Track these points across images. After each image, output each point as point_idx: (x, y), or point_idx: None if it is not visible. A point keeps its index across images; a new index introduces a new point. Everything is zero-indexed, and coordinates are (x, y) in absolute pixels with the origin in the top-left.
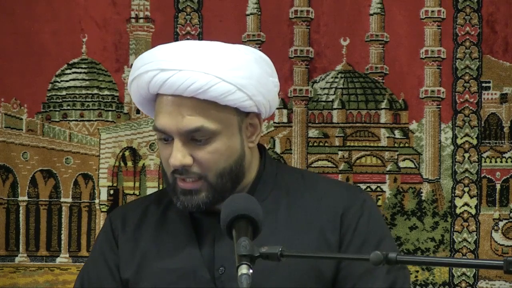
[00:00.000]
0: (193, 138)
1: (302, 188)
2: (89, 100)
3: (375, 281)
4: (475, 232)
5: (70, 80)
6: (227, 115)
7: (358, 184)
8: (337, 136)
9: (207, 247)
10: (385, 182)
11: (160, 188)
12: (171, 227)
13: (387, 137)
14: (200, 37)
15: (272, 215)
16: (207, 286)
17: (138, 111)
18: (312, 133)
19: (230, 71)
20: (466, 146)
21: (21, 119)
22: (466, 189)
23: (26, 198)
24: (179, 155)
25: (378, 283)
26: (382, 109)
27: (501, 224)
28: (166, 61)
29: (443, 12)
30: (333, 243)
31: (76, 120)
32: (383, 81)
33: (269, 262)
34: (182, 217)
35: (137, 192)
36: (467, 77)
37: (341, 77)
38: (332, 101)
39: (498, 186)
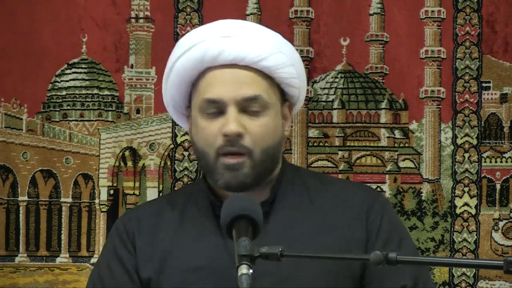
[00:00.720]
0: (246, 110)
1: (320, 187)
2: (89, 100)
3: (401, 278)
4: (475, 232)
5: (70, 80)
6: (275, 93)
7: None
8: (337, 136)
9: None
10: (385, 182)
11: (160, 188)
12: (193, 225)
13: (387, 137)
14: None
15: (297, 212)
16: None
17: (138, 111)
18: (312, 133)
19: (285, 46)
20: (466, 146)
21: (21, 119)
22: (466, 189)
23: (26, 198)
24: (234, 123)
25: (405, 279)
26: (382, 109)
27: (501, 224)
28: (225, 29)
29: (443, 12)
30: (359, 240)
31: (76, 120)
32: (383, 81)
33: (301, 260)
34: (205, 214)
35: (137, 192)
36: (467, 77)
37: (341, 77)
38: (332, 101)
39: (498, 186)
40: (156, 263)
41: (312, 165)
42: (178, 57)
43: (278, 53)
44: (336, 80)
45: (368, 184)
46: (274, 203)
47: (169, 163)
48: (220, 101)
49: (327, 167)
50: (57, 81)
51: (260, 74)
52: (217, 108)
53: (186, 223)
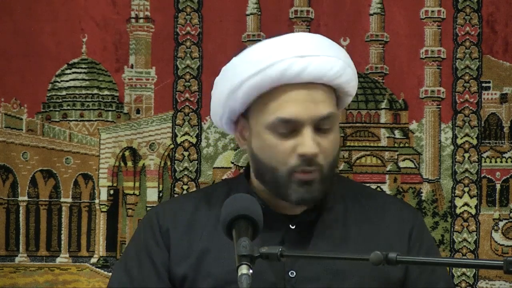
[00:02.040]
0: (319, 128)
1: (364, 198)
2: (89, 100)
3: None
4: (475, 232)
5: (70, 80)
6: (336, 105)
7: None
8: None
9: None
10: (385, 182)
11: (160, 188)
12: None
13: (387, 137)
14: (200, 37)
15: (342, 222)
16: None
17: (138, 111)
18: None
19: (348, 56)
20: (466, 146)
21: (21, 119)
22: (466, 189)
23: (26, 198)
24: (312, 143)
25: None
26: (382, 109)
27: (501, 224)
28: (301, 47)
29: (443, 12)
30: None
31: (76, 120)
32: (383, 81)
33: (336, 265)
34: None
35: (137, 192)
36: (467, 77)
37: None
38: None
39: (498, 186)
40: (193, 260)
41: None
42: (252, 75)
43: (348, 68)
44: None
45: (369, 184)
46: (321, 211)
47: (169, 163)
48: (296, 121)
49: None
50: (57, 81)
51: (330, 90)
52: (291, 128)
53: None
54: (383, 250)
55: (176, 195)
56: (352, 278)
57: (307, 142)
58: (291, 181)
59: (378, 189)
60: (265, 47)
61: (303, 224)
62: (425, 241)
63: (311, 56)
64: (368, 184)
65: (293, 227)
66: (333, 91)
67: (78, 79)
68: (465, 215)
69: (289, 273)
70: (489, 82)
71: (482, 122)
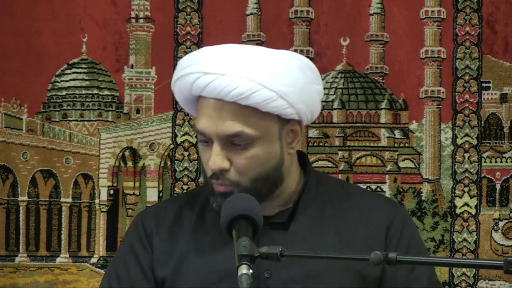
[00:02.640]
0: (232, 143)
1: (343, 197)
2: (89, 100)
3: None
4: (475, 232)
5: (70, 80)
6: (268, 121)
7: (358, 184)
8: (337, 136)
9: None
10: (385, 182)
11: (160, 188)
12: (210, 227)
13: (387, 137)
14: (200, 37)
15: (317, 222)
16: None
17: (138, 111)
18: (312, 133)
19: (272, 78)
20: (466, 146)
21: (21, 119)
22: (466, 189)
23: (26, 198)
24: (217, 159)
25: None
26: (382, 109)
27: (501, 224)
28: (209, 64)
29: (443, 12)
30: None
31: (76, 120)
32: (383, 81)
33: (313, 266)
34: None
35: (137, 192)
36: (467, 77)
37: (341, 77)
38: (332, 101)
39: (498, 186)
40: (172, 263)
41: (312, 165)
42: (175, 80)
43: (262, 89)
44: (336, 80)
45: (368, 184)
46: (295, 212)
47: (169, 163)
48: (205, 134)
49: (327, 167)
50: (57, 81)
51: (247, 109)
52: (207, 138)
53: (204, 225)
54: (359, 250)
55: (176, 195)
56: (328, 279)
57: (212, 157)
58: (213, 189)
59: (378, 189)
60: (189, 57)
61: (277, 225)
62: (405, 237)
63: (215, 74)
64: (368, 184)
65: (266, 228)
66: (257, 110)
67: (78, 79)
68: (465, 215)
69: (265, 273)
70: (489, 82)
71: (482, 122)
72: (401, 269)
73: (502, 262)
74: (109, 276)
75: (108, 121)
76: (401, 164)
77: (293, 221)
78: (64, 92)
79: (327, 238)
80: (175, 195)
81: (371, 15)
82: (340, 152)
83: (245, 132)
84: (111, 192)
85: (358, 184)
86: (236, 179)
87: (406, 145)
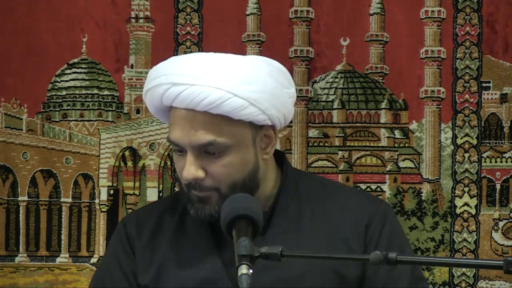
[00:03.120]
0: (206, 151)
1: (323, 196)
2: (89, 100)
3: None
4: (475, 232)
5: (70, 80)
6: (240, 128)
7: (358, 184)
8: (337, 136)
9: (228, 254)
10: (385, 182)
11: (160, 188)
12: (190, 234)
13: (387, 137)
14: (200, 37)
15: (295, 224)
16: None
17: (138, 111)
18: (312, 133)
19: (242, 85)
20: (466, 146)
21: (21, 119)
22: (466, 189)
23: (26, 198)
24: (191, 169)
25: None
26: (382, 109)
27: (501, 224)
28: (178, 75)
29: (443, 12)
30: (357, 252)
31: (76, 120)
32: (383, 81)
33: (291, 270)
34: (201, 223)
35: (137, 192)
36: (467, 77)
37: (341, 77)
38: (332, 101)
39: (498, 186)
40: (153, 271)
41: (312, 165)
42: (147, 91)
43: (232, 98)
44: (336, 80)
45: (368, 184)
46: (273, 215)
47: (169, 163)
48: (179, 144)
49: (327, 167)
50: (57, 81)
51: (218, 118)
52: (180, 148)
53: (184, 231)
54: (339, 249)
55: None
56: (306, 282)
57: (186, 166)
58: (190, 196)
59: (378, 189)
60: (158, 67)
61: None
62: (384, 235)
63: (184, 84)
64: (368, 184)
65: None
66: (229, 119)
67: (78, 79)
68: (465, 215)
69: None
70: (489, 82)
71: (482, 122)
72: (382, 268)
73: (502, 262)
74: (95, 282)
75: (108, 121)
76: (401, 164)
77: (270, 225)
78: (64, 92)
79: (306, 239)
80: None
81: (371, 15)
82: (340, 152)
83: (218, 141)
84: (111, 192)
85: (356, 184)
86: (215, 185)
87: (406, 145)
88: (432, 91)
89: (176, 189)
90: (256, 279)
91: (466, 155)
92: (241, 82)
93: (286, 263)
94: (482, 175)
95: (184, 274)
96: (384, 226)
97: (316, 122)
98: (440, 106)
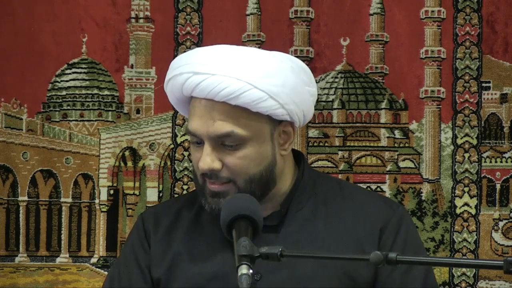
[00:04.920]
0: (223, 143)
1: (339, 198)
2: (89, 100)
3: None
4: (475, 232)
5: (70, 80)
6: (259, 122)
7: (359, 184)
8: (337, 136)
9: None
10: (385, 182)
11: (160, 188)
12: (205, 230)
13: (387, 137)
14: (200, 37)
15: (309, 223)
16: None
17: (138, 111)
18: (312, 133)
19: (263, 78)
20: (466, 146)
21: (21, 119)
22: (466, 189)
23: (26, 198)
24: (208, 159)
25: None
26: (382, 109)
27: (501, 224)
28: (200, 64)
29: (443, 12)
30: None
31: (76, 120)
32: (383, 81)
33: (301, 271)
34: (216, 220)
35: (137, 192)
36: (467, 77)
37: (341, 77)
38: (332, 101)
39: (498, 186)
40: (167, 264)
41: (312, 165)
42: (168, 80)
43: (251, 89)
44: (336, 80)
45: (368, 184)
46: (286, 215)
47: (169, 163)
48: (197, 135)
49: (327, 167)
50: (57, 81)
51: (237, 109)
52: (198, 139)
53: (199, 226)
54: (352, 251)
55: (176, 195)
56: (317, 282)
57: (203, 157)
58: (205, 189)
59: (378, 189)
60: (181, 57)
61: (269, 227)
62: (399, 239)
63: (205, 74)
64: (368, 184)
65: None
66: (248, 111)
67: (78, 79)
68: (465, 215)
69: (255, 276)
70: (489, 82)
71: (482, 122)
72: (396, 271)
73: (502, 262)
74: (111, 275)
75: (108, 121)
76: (401, 164)
77: (285, 223)
78: (64, 92)
79: (320, 239)
80: (176, 195)
81: (371, 15)
82: (340, 152)
83: (236, 132)
84: (111, 192)
85: (359, 184)
86: (231, 177)
87: (406, 145)
88: (432, 91)
89: (176, 189)
90: (269, 277)
91: (466, 155)
92: (261, 75)
93: (299, 263)
94: (482, 175)
95: (195, 268)
96: (400, 231)
97: (316, 122)
98: (440, 106)
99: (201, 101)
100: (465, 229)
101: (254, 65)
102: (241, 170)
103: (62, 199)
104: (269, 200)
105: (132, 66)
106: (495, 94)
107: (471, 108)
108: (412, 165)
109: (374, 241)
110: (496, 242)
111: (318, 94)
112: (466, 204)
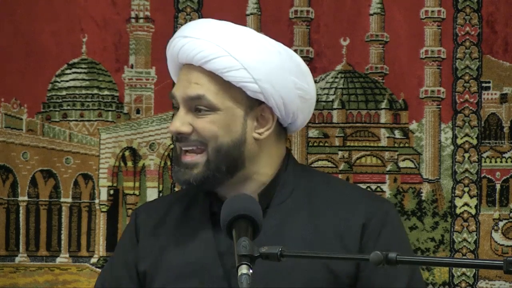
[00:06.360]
0: (196, 108)
1: (326, 193)
2: (89, 100)
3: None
4: (475, 232)
5: (70, 80)
6: (233, 94)
7: (358, 184)
8: (337, 136)
9: (224, 245)
10: (385, 182)
11: (160, 188)
12: (191, 224)
13: (387, 137)
14: None
15: (292, 217)
16: (220, 283)
17: (138, 111)
18: (312, 133)
19: (242, 49)
20: (466, 146)
21: (21, 119)
22: (466, 189)
23: (26, 198)
24: (177, 123)
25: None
26: (382, 109)
27: (501, 224)
28: (190, 29)
29: (443, 12)
30: (351, 251)
31: (76, 120)
32: (383, 81)
33: (281, 264)
34: (203, 214)
35: (137, 192)
36: (467, 77)
37: (341, 77)
38: (332, 101)
39: (498, 186)
40: (153, 257)
41: (312, 165)
42: (167, 50)
43: (226, 56)
44: (336, 80)
45: (368, 184)
46: (269, 207)
47: (169, 163)
48: (174, 97)
49: (327, 167)
50: (57, 81)
51: (212, 75)
52: (176, 103)
53: (187, 220)
54: (332, 245)
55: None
56: (298, 275)
57: (173, 120)
58: (179, 160)
59: (378, 189)
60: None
61: None
62: (384, 236)
63: (189, 37)
64: (368, 184)
65: None
66: (224, 81)
67: (78, 79)
68: (465, 215)
69: (235, 270)
70: (489, 82)
71: (482, 122)
72: (379, 268)
73: (502, 262)
74: (102, 276)
75: (108, 121)
76: (401, 164)
77: (267, 215)
78: (64, 92)
79: (301, 232)
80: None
81: (371, 15)
82: (340, 152)
83: (207, 97)
84: (111, 192)
85: (359, 184)
86: (200, 140)
87: (406, 145)
88: (432, 91)
89: (176, 189)
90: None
91: (466, 155)
92: (242, 46)
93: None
94: (482, 175)
95: (179, 261)
96: (384, 226)
97: (316, 122)
98: (440, 106)
99: (184, 66)
100: (465, 229)
101: (239, 38)
102: (209, 134)
103: (62, 199)
104: (244, 187)
105: (132, 66)
106: (495, 94)
107: (471, 108)
108: (412, 165)
109: (356, 236)
110: (496, 242)
111: (318, 94)
112: (466, 204)
